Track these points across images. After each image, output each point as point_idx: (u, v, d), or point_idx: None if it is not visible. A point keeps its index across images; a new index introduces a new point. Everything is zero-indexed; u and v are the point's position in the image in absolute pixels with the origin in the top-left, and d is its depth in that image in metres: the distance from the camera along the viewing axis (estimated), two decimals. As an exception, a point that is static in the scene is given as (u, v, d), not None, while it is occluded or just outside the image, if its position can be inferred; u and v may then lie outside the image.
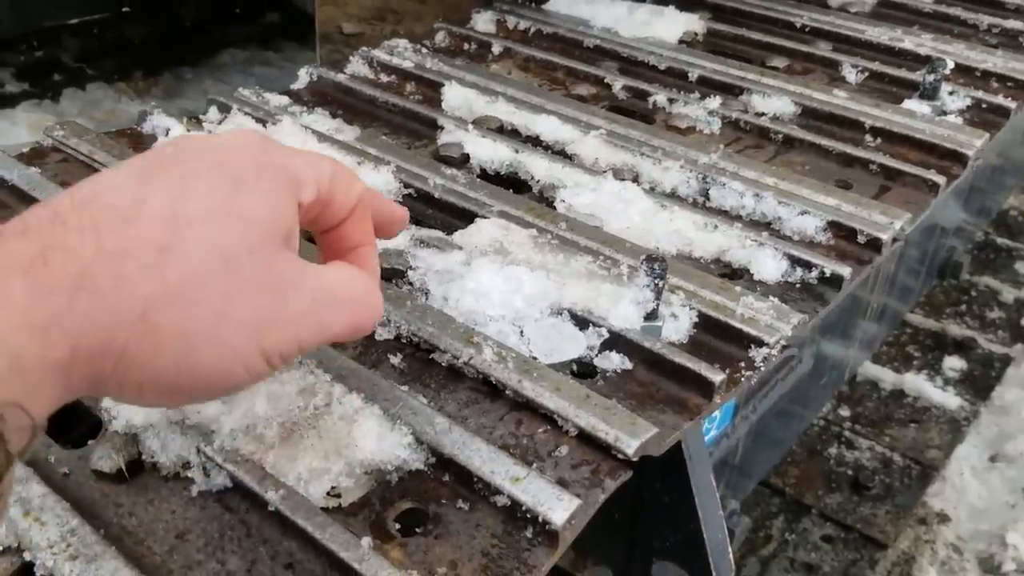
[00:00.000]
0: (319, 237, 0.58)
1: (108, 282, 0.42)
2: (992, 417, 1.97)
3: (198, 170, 0.47)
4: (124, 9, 2.67)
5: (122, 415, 0.66)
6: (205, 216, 0.45)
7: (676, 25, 1.50)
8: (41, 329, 0.40)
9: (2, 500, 0.38)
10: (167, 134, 1.07)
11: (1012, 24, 1.57)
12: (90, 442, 0.67)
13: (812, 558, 1.66)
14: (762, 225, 0.99)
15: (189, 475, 0.64)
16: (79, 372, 0.42)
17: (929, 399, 2.01)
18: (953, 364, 2.12)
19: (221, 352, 0.46)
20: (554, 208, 0.99)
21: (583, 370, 0.76)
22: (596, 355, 0.77)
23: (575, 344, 0.77)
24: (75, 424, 0.71)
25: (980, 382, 2.07)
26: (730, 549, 0.86)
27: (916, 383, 2.04)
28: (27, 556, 0.58)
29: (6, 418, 0.38)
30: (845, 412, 1.97)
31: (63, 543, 0.58)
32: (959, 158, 1.14)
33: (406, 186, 1.02)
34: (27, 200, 0.95)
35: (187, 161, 0.48)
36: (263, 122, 1.13)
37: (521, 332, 0.77)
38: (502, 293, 0.80)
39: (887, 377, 2.07)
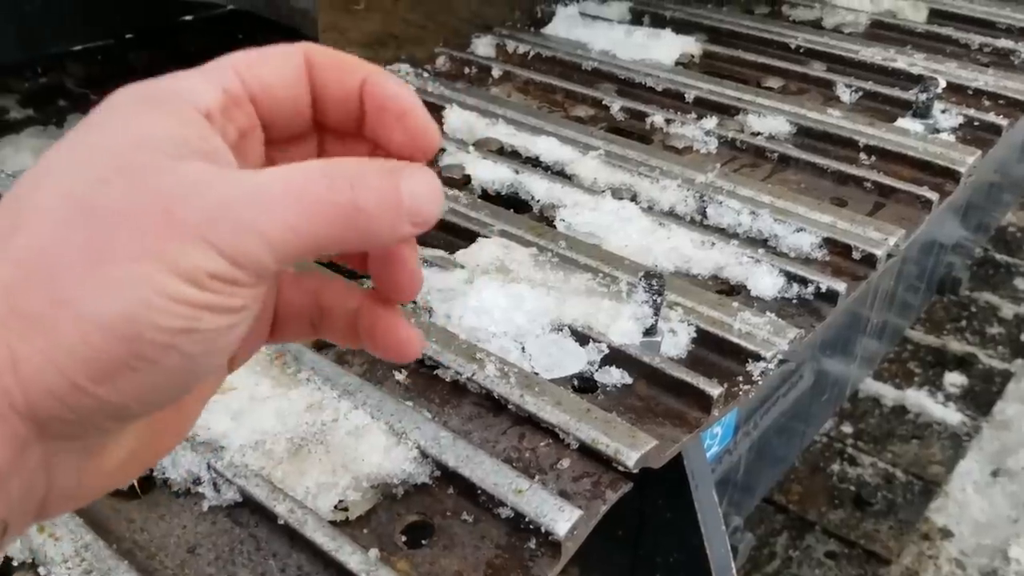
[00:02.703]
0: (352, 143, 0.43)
1: None
2: (993, 432, 1.98)
3: (58, 151, 0.38)
4: (128, 36, 2.70)
5: (133, 432, 0.67)
6: (44, 177, 0.37)
7: (673, 47, 1.52)
8: None
9: None
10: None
11: (1003, 43, 1.59)
12: (102, 459, 0.69)
13: (816, 575, 1.66)
14: (758, 242, 1.01)
15: (200, 490, 0.65)
16: None
17: (931, 415, 2.02)
18: (954, 380, 2.13)
19: (121, 294, 0.35)
20: (554, 227, 1.01)
21: (583, 385, 0.78)
22: (596, 370, 0.78)
23: (576, 359, 0.78)
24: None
25: (981, 397, 2.08)
26: (733, 565, 0.87)
27: (917, 399, 2.06)
28: (42, 571, 0.59)
29: None
30: (847, 428, 1.98)
31: (77, 558, 0.60)
32: (952, 175, 1.16)
33: (409, 207, 1.03)
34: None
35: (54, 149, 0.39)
36: (268, 146, 1.16)
37: (523, 348, 0.79)
38: (503, 310, 0.81)
39: (888, 393, 2.08)
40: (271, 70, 0.41)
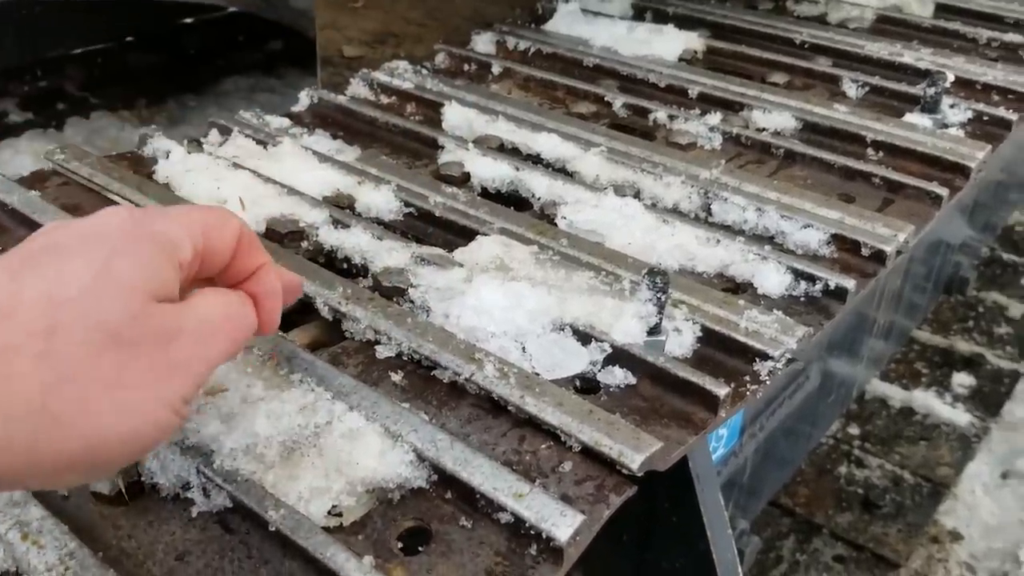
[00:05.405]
0: (217, 279, 0.59)
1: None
2: (1003, 433, 1.96)
3: (70, 250, 0.48)
4: (127, 38, 2.68)
5: (121, 436, 0.65)
6: (82, 292, 0.46)
7: (675, 43, 1.50)
8: None
9: None
10: (167, 156, 1.07)
11: (1011, 37, 1.57)
12: (89, 464, 0.66)
13: (824, 578, 1.64)
14: (765, 239, 0.98)
15: (189, 496, 0.63)
16: None
17: (938, 416, 2.00)
18: (962, 380, 2.10)
19: (127, 419, 0.46)
20: (555, 225, 0.99)
21: (586, 385, 0.75)
22: (599, 370, 0.76)
23: (578, 359, 0.76)
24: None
25: (990, 398, 2.06)
26: (740, 570, 0.85)
27: (925, 400, 2.03)
28: (25, 580, 0.57)
29: None
30: (854, 430, 1.96)
31: (61, 566, 0.57)
32: (962, 170, 1.14)
33: (407, 205, 1.01)
34: (28, 224, 0.95)
35: (58, 246, 0.48)
36: (264, 144, 1.14)
37: (523, 348, 0.77)
38: (503, 309, 0.79)
39: (896, 394, 2.05)
40: (219, 241, 0.55)
